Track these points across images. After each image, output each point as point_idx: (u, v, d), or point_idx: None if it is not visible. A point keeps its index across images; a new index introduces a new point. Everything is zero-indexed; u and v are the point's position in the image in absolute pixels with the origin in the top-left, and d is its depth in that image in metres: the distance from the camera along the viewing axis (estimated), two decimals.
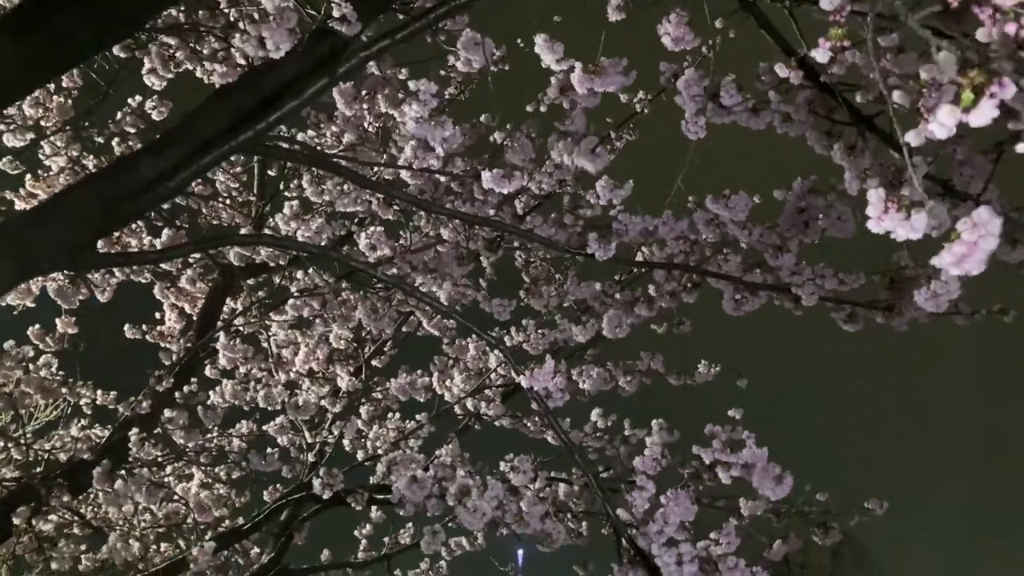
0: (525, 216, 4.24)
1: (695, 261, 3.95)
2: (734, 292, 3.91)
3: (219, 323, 4.86)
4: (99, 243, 3.25)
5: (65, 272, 4.06)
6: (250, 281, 5.17)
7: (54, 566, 3.56)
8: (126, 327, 5.44)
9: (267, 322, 4.93)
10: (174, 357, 4.39)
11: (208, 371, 4.97)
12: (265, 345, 5.02)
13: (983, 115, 1.50)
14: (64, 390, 4.25)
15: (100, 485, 3.48)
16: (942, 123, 1.56)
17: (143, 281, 5.27)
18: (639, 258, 4.19)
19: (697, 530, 3.32)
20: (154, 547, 5.29)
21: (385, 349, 5.73)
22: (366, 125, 4.33)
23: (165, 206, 4.90)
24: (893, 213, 1.70)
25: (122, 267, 4.78)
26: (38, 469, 4.02)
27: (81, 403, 4.73)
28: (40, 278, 4.34)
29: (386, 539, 5.51)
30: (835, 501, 4.67)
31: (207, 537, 4.55)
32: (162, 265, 5.10)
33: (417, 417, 4.90)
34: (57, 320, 4.61)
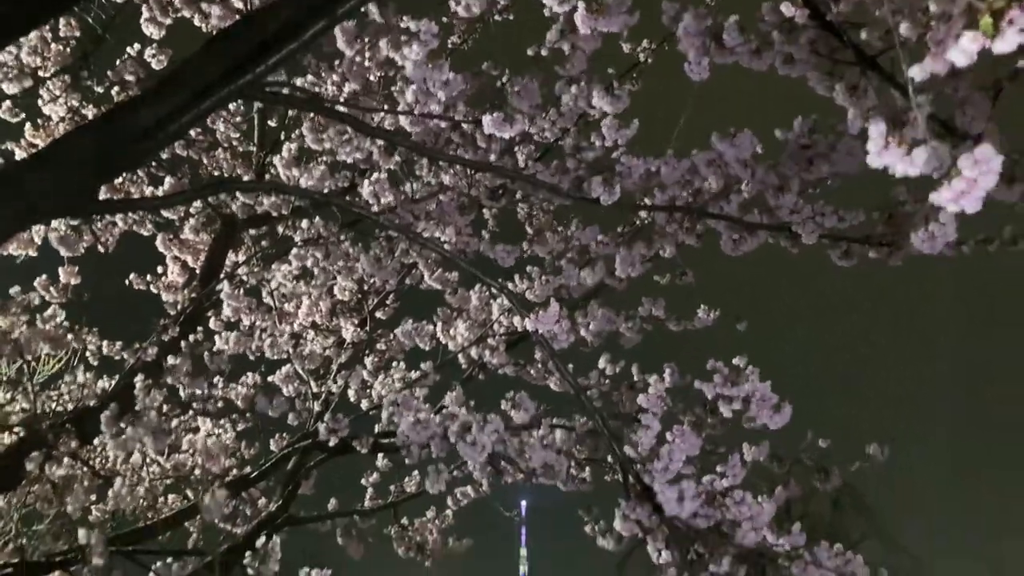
0: (527, 166, 4.22)
1: (696, 206, 3.95)
2: (732, 232, 3.91)
3: (223, 273, 4.86)
4: (101, 191, 3.23)
5: (67, 220, 4.07)
6: (252, 232, 5.16)
7: (69, 509, 3.59)
8: (130, 277, 5.45)
9: (270, 273, 4.94)
10: (179, 307, 4.39)
11: (213, 323, 4.99)
12: (268, 299, 5.03)
13: (1008, 42, 1.47)
14: (71, 337, 4.26)
15: (108, 430, 3.51)
16: (964, 49, 1.53)
17: (145, 233, 5.27)
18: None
19: (702, 471, 3.35)
20: (162, 498, 5.35)
21: (388, 301, 5.76)
22: (367, 74, 4.29)
23: (165, 156, 4.89)
24: (893, 148, 1.69)
25: (124, 213, 4.77)
26: (46, 419, 4.05)
27: (87, 354, 4.75)
28: (43, 228, 4.34)
29: (392, 487, 5.58)
30: (833, 438, 4.70)
31: (214, 484, 4.60)
32: (164, 215, 5.09)
33: (422, 366, 4.93)
34: (60, 270, 4.61)
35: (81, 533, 2.84)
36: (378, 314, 5.62)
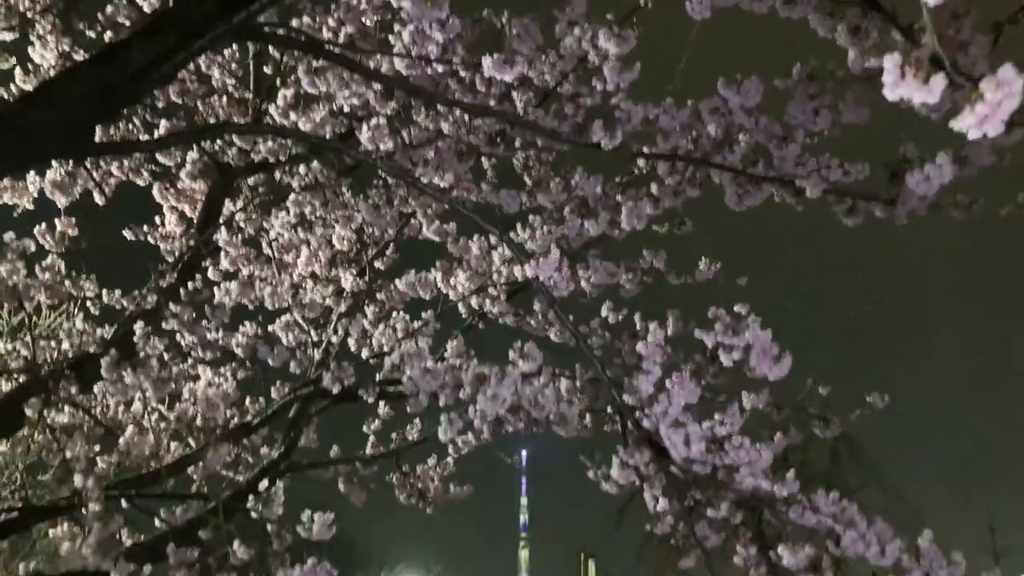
0: (526, 112, 4.17)
1: (698, 155, 3.91)
2: (737, 186, 3.89)
3: (220, 220, 4.83)
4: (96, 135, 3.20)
5: (62, 164, 4.02)
6: (250, 180, 5.11)
7: (68, 454, 3.60)
8: (127, 229, 5.41)
9: (268, 222, 4.91)
10: (176, 254, 4.37)
11: (211, 273, 4.97)
12: (267, 250, 5.01)
13: None
14: (68, 283, 4.22)
15: (108, 375, 3.51)
16: None
17: (141, 184, 5.23)
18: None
19: (700, 418, 3.36)
20: (165, 447, 5.37)
21: (387, 252, 5.73)
22: (364, 18, 4.21)
23: (161, 105, 4.82)
24: (910, 78, 1.65)
25: (120, 156, 4.71)
26: (46, 365, 4.05)
27: (87, 303, 4.73)
28: (37, 178, 4.30)
29: (393, 435, 5.61)
30: (836, 396, 4.71)
31: (217, 434, 4.62)
32: (161, 162, 5.03)
33: (423, 315, 4.92)
34: (57, 221, 4.58)
35: (77, 478, 2.86)
36: (377, 264, 5.59)
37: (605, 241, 4.97)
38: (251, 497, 3.57)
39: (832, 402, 4.74)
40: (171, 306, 3.98)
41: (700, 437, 3.04)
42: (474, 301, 5.06)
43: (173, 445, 5.43)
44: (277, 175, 5.06)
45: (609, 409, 4.94)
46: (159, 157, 5.01)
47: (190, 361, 5.08)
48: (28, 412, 3.51)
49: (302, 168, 4.48)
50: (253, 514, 3.54)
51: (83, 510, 3.31)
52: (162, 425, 4.94)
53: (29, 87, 4.24)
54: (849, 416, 4.93)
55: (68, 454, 3.68)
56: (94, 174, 4.23)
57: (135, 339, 3.77)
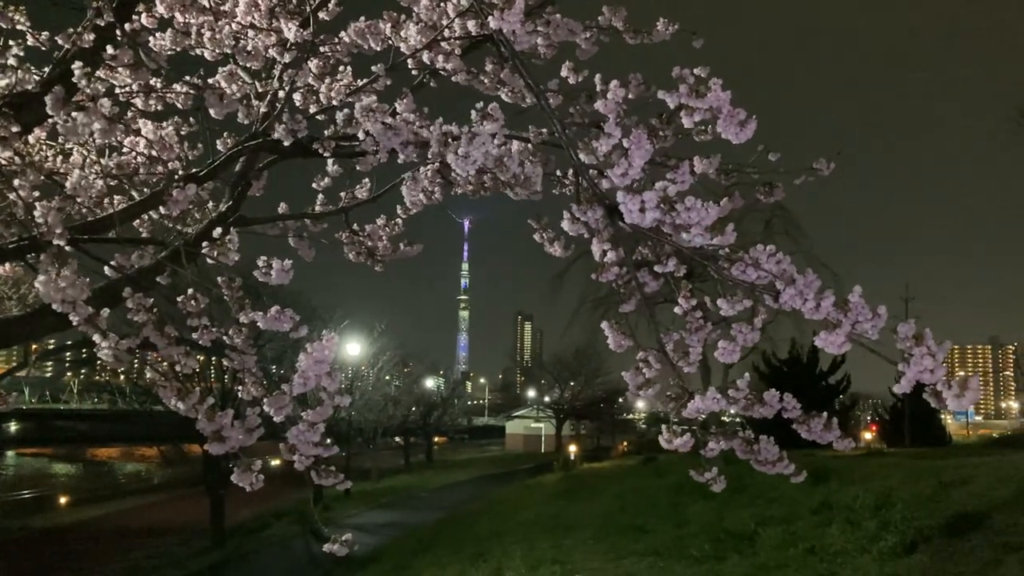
0: None
1: None
2: None
3: None
4: None
5: None
6: None
7: (12, 195, 3.49)
8: None
9: None
10: None
11: (146, 20, 4.66)
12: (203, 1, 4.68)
13: None
14: None
15: (55, 112, 3.34)
16: None
17: None
18: None
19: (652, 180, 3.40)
20: (110, 199, 5.25)
21: (331, 2, 5.40)
22: None
23: None
24: None
25: None
26: None
27: (11, 44, 4.41)
28: None
29: (343, 194, 5.55)
30: (784, 162, 4.73)
31: (169, 174, 4.52)
32: None
33: (372, 68, 4.73)
34: None
35: (38, 212, 2.79)
36: (321, 15, 5.28)
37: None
38: (204, 244, 3.56)
39: (781, 167, 4.77)
40: (108, 49, 3.75)
41: (654, 199, 3.09)
42: (426, 56, 4.87)
43: (117, 199, 5.32)
44: None
45: (559, 172, 4.99)
46: None
47: (130, 114, 4.90)
48: None
49: None
50: (209, 260, 3.55)
51: (33, 253, 3.28)
52: (100, 170, 4.77)
53: None
54: (794, 180, 4.94)
55: (12, 195, 3.57)
56: None
57: (75, 79, 3.57)
